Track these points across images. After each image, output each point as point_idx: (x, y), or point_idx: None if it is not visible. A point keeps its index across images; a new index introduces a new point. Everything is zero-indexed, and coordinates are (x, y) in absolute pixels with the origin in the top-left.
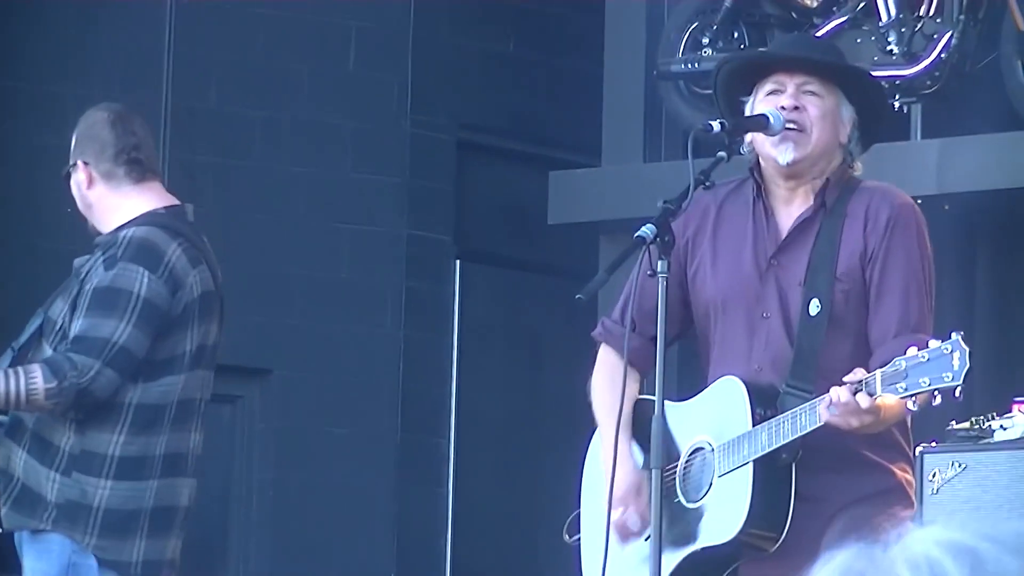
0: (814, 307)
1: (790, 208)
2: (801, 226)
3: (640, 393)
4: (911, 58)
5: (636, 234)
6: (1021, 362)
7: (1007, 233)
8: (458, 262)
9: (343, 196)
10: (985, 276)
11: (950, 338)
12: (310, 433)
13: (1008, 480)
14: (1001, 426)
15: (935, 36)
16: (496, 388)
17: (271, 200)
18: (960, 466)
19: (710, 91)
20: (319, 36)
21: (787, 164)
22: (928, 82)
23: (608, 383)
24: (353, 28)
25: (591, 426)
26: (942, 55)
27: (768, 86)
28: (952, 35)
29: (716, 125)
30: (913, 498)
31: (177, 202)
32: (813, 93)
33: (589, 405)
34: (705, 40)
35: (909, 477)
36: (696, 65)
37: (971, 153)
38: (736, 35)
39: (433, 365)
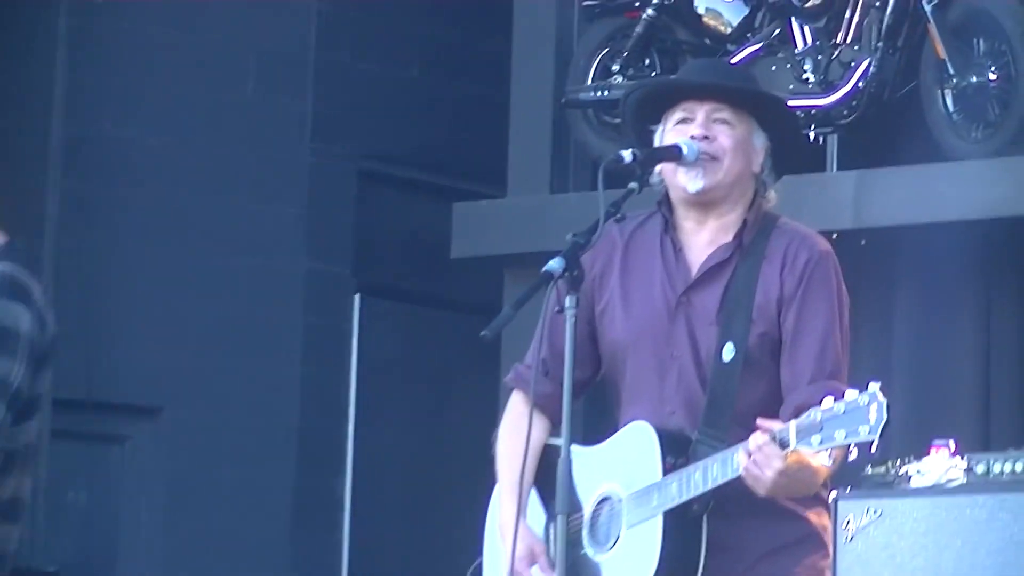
0: (728, 352)
1: (699, 243)
2: (716, 267)
3: (550, 440)
4: (827, 87)
5: (543, 269)
6: (939, 404)
7: (927, 269)
8: (358, 297)
9: (240, 227)
10: (903, 315)
11: (867, 389)
12: (202, 475)
13: (926, 527)
14: (918, 471)
15: (852, 64)
16: (397, 428)
17: (165, 231)
18: (876, 513)
19: (620, 120)
20: (217, 60)
21: (696, 192)
22: (845, 112)
23: (513, 431)
24: (252, 52)
25: (492, 463)
26: (860, 83)
27: (677, 114)
28: (870, 63)
29: (627, 155)
30: (829, 546)
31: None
32: (724, 122)
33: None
34: (615, 67)
35: (825, 523)
36: (606, 93)
37: (890, 186)
38: (647, 62)
39: (331, 404)
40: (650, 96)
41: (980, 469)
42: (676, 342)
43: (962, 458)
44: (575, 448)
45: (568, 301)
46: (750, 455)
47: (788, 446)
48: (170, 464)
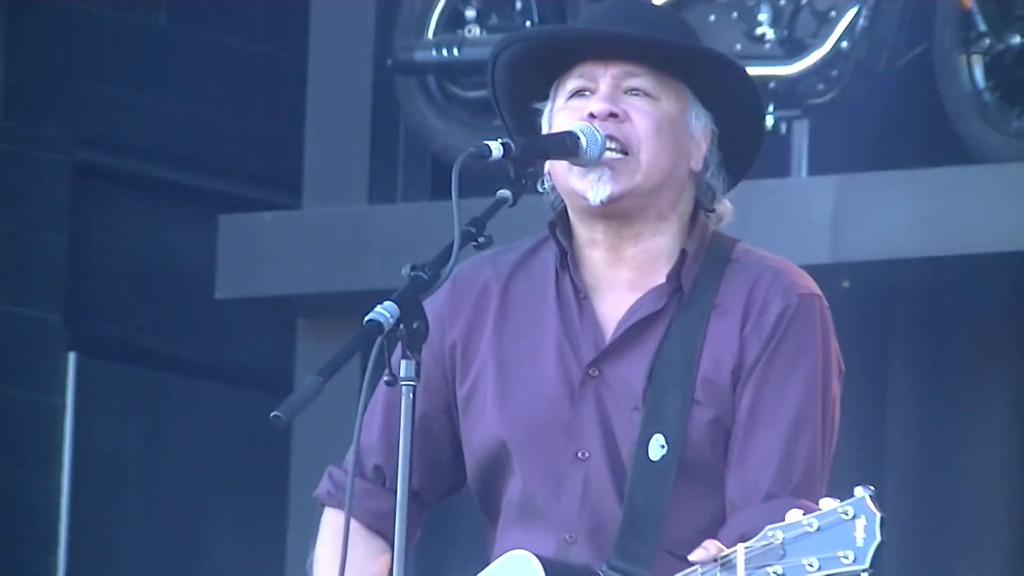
0: (656, 448)
1: (615, 285)
2: (640, 323)
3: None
4: (794, 48)
5: (367, 318)
6: (955, 519)
7: (941, 325)
8: (73, 357)
9: None
10: (902, 390)
11: (853, 495)
12: None
13: None
14: None
15: (832, 14)
16: (130, 555)
17: None
18: None
19: (478, 92)
20: None
21: (602, 203)
22: (821, 86)
23: (334, 562)
24: None
25: None
26: (843, 44)
27: (572, 82)
28: (859, 13)
29: (496, 148)
30: None
31: None
32: (641, 92)
33: (280, 572)
34: (470, 13)
35: None
36: (455, 52)
37: (886, 199)
38: (520, 6)
39: (33, 520)
40: (530, 55)
41: None
42: (583, 437)
43: None
44: None
45: (404, 368)
46: None
47: None
48: None
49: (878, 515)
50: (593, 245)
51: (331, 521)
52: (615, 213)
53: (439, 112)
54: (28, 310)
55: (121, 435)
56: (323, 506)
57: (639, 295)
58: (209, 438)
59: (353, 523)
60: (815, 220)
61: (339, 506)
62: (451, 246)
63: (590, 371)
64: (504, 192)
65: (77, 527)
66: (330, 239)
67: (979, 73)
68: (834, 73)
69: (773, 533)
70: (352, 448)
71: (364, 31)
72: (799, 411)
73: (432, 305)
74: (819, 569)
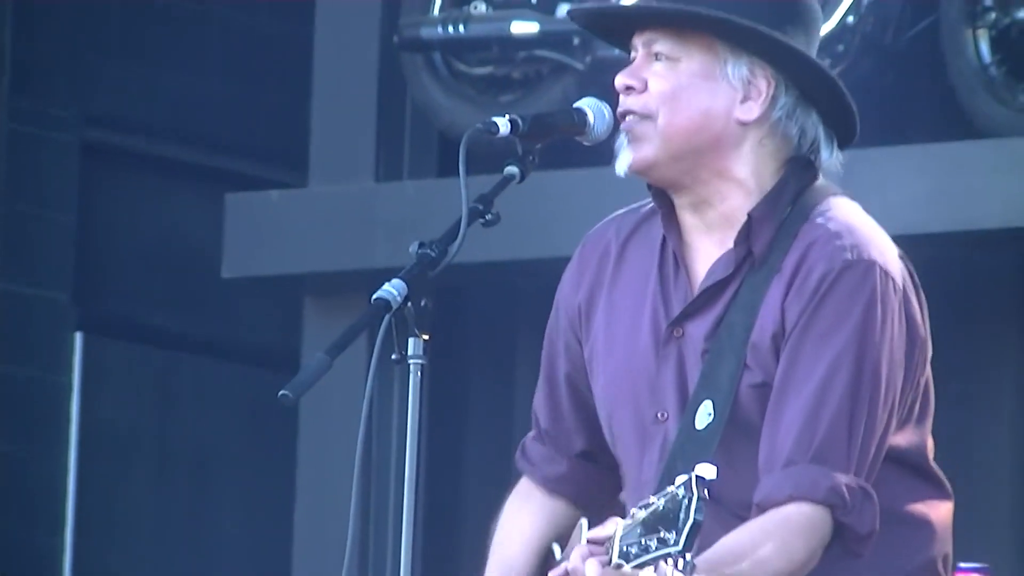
0: (704, 416)
1: (705, 247)
2: (714, 287)
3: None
4: None
5: (375, 296)
6: (963, 511)
7: (949, 305)
8: (80, 337)
9: None
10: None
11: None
12: None
13: None
14: None
15: None
16: (138, 534)
17: None
18: None
19: (485, 68)
20: None
21: (626, 171)
22: (826, 61)
23: (512, 526)
24: None
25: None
26: (848, 19)
27: (631, 51)
28: None
29: (503, 124)
30: None
31: None
32: (662, 56)
33: (288, 548)
34: None
35: None
36: (461, 28)
37: (894, 176)
38: None
39: (40, 499)
40: (595, 30)
41: None
42: (663, 398)
43: None
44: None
45: (412, 346)
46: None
47: (608, 564)
48: None
49: (695, 495)
50: (682, 210)
51: (520, 488)
52: (662, 182)
53: (445, 89)
54: (36, 290)
55: (129, 415)
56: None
57: (720, 255)
58: (217, 417)
59: (533, 487)
60: None
61: (526, 473)
62: (459, 223)
63: (673, 330)
64: (512, 168)
65: (84, 507)
66: (337, 217)
67: (985, 47)
68: (840, 48)
69: (635, 512)
70: (361, 428)
71: (370, 8)
72: (827, 377)
73: (568, 270)
74: (655, 550)
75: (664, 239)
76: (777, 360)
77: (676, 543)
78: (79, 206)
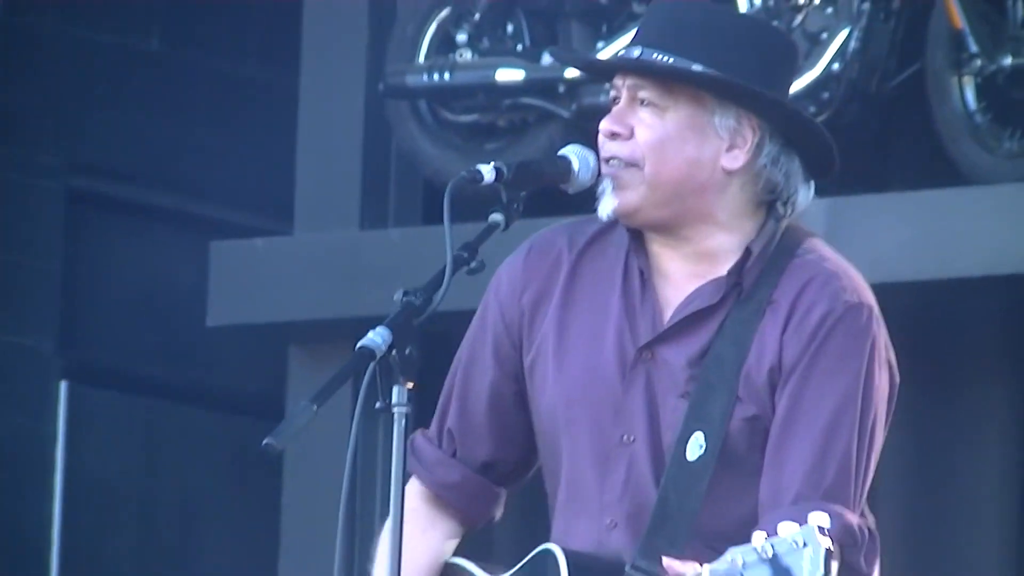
0: (695, 447)
1: (678, 273)
2: (696, 314)
3: (456, 552)
4: None
5: (360, 344)
6: (950, 553)
7: (933, 349)
8: (65, 385)
9: None
10: (897, 419)
11: (806, 522)
12: None
13: None
14: None
15: (823, 36)
16: None
17: None
18: None
19: (470, 116)
20: None
21: (611, 216)
22: (812, 108)
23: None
24: None
25: None
26: (834, 65)
27: (612, 93)
28: (851, 35)
29: (488, 172)
30: None
31: None
32: (649, 102)
33: None
34: (462, 37)
35: None
36: (446, 76)
37: (879, 221)
38: (511, 29)
39: (24, 547)
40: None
41: None
42: (630, 420)
43: None
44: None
45: (396, 394)
46: None
47: None
48: None
49: (823, 547)
50: (651, 239)
51: (410, 488)
52: (644, 225)
53: (431, 136)
54: (20, 338)
55: (113, 463)
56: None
57: (700, 284)
58: (201, 465)
59: (422, 489)
60: None
61: (413, 471)
62: (444, 271)
63: (643, 353)
64: (497, 216)
65: (69, 555)
66: (322, 265)
67: (971, 94)
68: (825, 95)
69: (733, 557)
70: (346, 476)
71: (356, 55)
72: (835, 416)
73: (508, 270)
74: None
75: (627, 258)
76: (772, 393)
77: None
78: (64, 254)
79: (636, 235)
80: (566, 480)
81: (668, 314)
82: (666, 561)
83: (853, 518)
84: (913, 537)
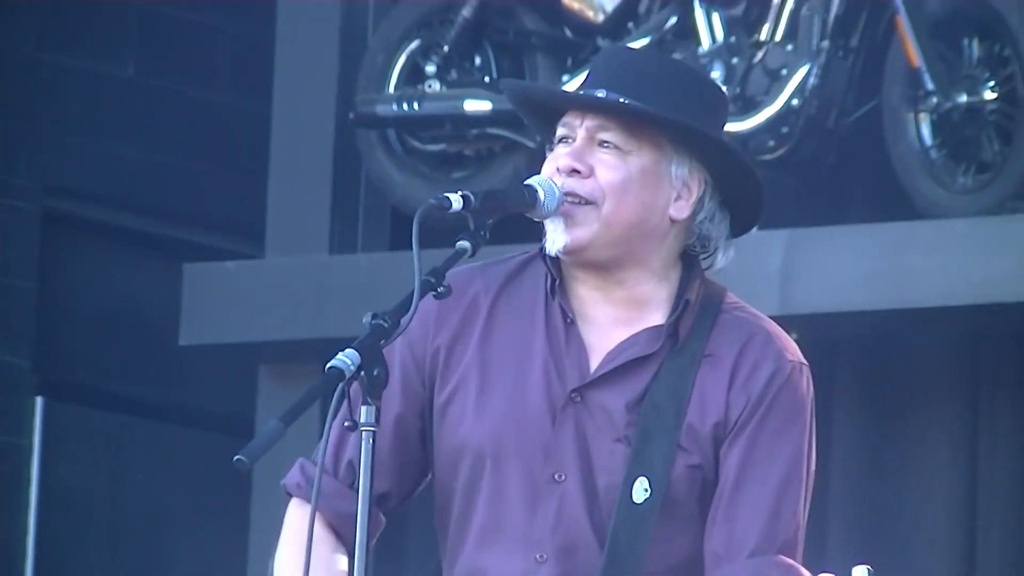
0: (640, 491)
1: (603, 319)
2: (631, 365)
3: None
4: (746, 105)
5: (329, 365)
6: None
7: (888, 376)
8: (40, 401)
9: None
10: (849, 441)
11: (851, 574)
12: None
13: None
14: None
15: (783, 72)
16: None
17: None
18: None
19: (438, 145)
20: None
21: (560, 251)
22: (771, 142)
23: (299, 563)
24: None
25: None
26: (793, 101)
27: (559, 130)
28: (810, 71)
29: (456, 200)
30: None
31: None
32: (611, 145)
33: None
34: (430, 68)
35: None
36: (415, 106)
37: (835, 253)
38: (478, 61)
39: (4, 551)
40: (522, 104)
41: None
42: (560, 459)
43: None
44: None
45: (365, 414)
46: None
47: None
48: None
49: None
50: (580, 280)
51: (297, 514)
52: (586, 263)
53: (399, 165)
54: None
55: (86, 476)
56: (289, 496)
57: (629, 331)
58: (172, 480)
59: (319, 521)
60: (766, 272)
61: (308, 499)
62: (411, 296)
63: (573, 396)
64: (463, 243)
65: (43, 564)
66: (292, 288)
67: (926, 131)
68: (784, 130)
69: None
70: (328, 446)
71: (326, 84)
72: (787, 473)
73: (421, 310)
74: None
75: (547, 300)
76: (715, 446)
77: None
78: (39, 274)
79: (558, 277)
80: (483, 515)
81: (594, 358)
82: None
83: (804, 572)
84: (868, 548)
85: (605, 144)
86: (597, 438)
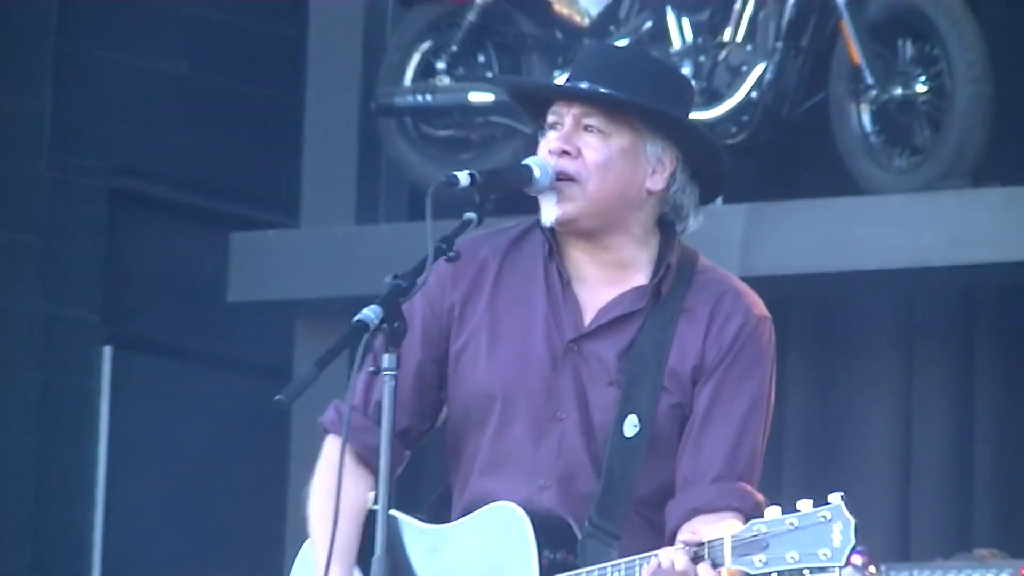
0: (631, 426)
1: (593, 280)
2: (620, 320)
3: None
4: (711, 97)
5: (355, 319)
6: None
7: (832, 332)
8: (109, 350)
9: None
10: (800, 390)
11: (827, 502)
12: None
13: None
14: None
15: (743, 69)
16: (156, 516)
17: None
18: None
19: (448, 131)
20: None
21: (553, 223)
22: (734, 129)
23: (331, 487)
24: None
25: (278, 563)
26: (752, 94)
27: (549, 117)
28: (766, 68)
29: (463, 177)
30: None
31: None
32: (595, 129)
33: (282, 531)
34: (440, 65)
35: None
36: (428, 97)
37: (788, 224)
38: (482, 59)
39: (74, 484)
40: (516, 96)
41: None
42: (560, 399)
43: (877, 570)
44: (411, 526)
45: (387, 360)
46: (659, 568)
47: (721, 564)
48: None
49: (852, 521)
50: (572, 247)
51: (331, 447)
52: (576, 231)
53: (415, 148)
54: (72, 311)
55: (147, 416)
56: (326, 432)
57: (617, 290)
58: (221, 420)
59: (348, 452)
60: (729, 241)
61: (338, 433)
62: (425, 259)
63: (570, 346)
64: (470, 215)
65: (111, 491)
66: (323, 253)
67: (867, 119)
68: (745, 118)
69: (758, 527)
70: (359, 389)
71: (352, 78)
72: (748, 411)
73: (437, 270)
74: (799, 562)
75: (546, 264)
76: (692, 387)
77: (836, 558)
78: (107, 242)
79: (555, 244)
80: (490, 448)
81: (587, 313)
82: (680, 538)
83: (761, 497)
84: (817, 478)
85: (589, 128)
86: (592, 382)
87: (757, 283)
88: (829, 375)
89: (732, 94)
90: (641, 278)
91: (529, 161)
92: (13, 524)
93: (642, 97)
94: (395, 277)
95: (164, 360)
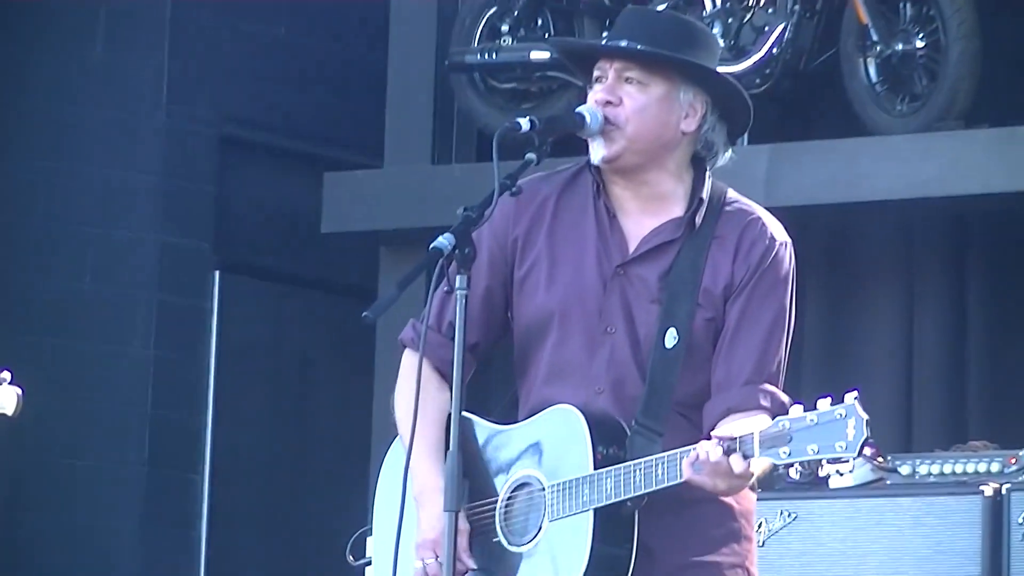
0: (671, 338)
1: (635, 212)
2: (660, 247)
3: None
4: (739, 53)
5: (431, 246)
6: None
7: (844, 254)
8: (218, 274)
9: (87, 196)
10: (816, 304)
11: (843, 401)
12: (46, 467)
13: (845, 533)
14: (837, 471)
15: (766, 28)
16: (260, 419)
17: (5, 200)
18: (790, 516)
19: (511, 84)
20: (63, 17)
21: (600, 161)
22: (757, 80)
23: (414, 393)
24: (102, 7)
25: (364, 461)
26: (773, 50)
27: (595, 72)
28: (786, 28)
29: (524, 123)
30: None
31: None
32: (634, 80)
33: (368, 433)
34: (504, 27)
35: (749, 506)
36: (493, 56)
37: (805, 161)
38: (540, 22)
39: (187, 391)
40: (567, 57)
41: (904, 471)
42: (611, 317)
43: (884, 459)
44: (483, 426)
45: (459, 281)
46: (697, 460)
47: (751, 456)
48: (9, 455)
49: (865, 417)
50: (615, 183)
51: (409, 360)
52: (619, 168)
53: (482, 99)
54: (187, 240)
55: (252, 332)
56: (404, 347)
57: (656, 221)
58: (316, 335)
59: (426, 364)
60: (754, 177)
61: (418, 349)
62: (492, 194)
63: (618, 270)
64: (530, 155)
65: (220, 398)
66: (404, 189)
67: (873, 71)
68: (767, 71)
69: (783, 423)
70: (433, 310)
71: (428, 39)
72: (773, 323)
73: (502, 207)
74: (819, 453)
75: (595, 200)
76: (724, 303)
77: (851, 450)
78: (218, 180)
79: (601, 182)
80: (550, 360)
81: (632, 242)
82: (714, 433)
83: (786, 397)
84: (831, 382)
85: (629, 80)
86: (637, 300)
87: (779, 213)
88: (842, 291)
89: (756, 50)
90: (677, 210)
91: (581, 109)
92: (135, 425)
93: (673, 51)
94: (466, 209)
95: (266, 283)
